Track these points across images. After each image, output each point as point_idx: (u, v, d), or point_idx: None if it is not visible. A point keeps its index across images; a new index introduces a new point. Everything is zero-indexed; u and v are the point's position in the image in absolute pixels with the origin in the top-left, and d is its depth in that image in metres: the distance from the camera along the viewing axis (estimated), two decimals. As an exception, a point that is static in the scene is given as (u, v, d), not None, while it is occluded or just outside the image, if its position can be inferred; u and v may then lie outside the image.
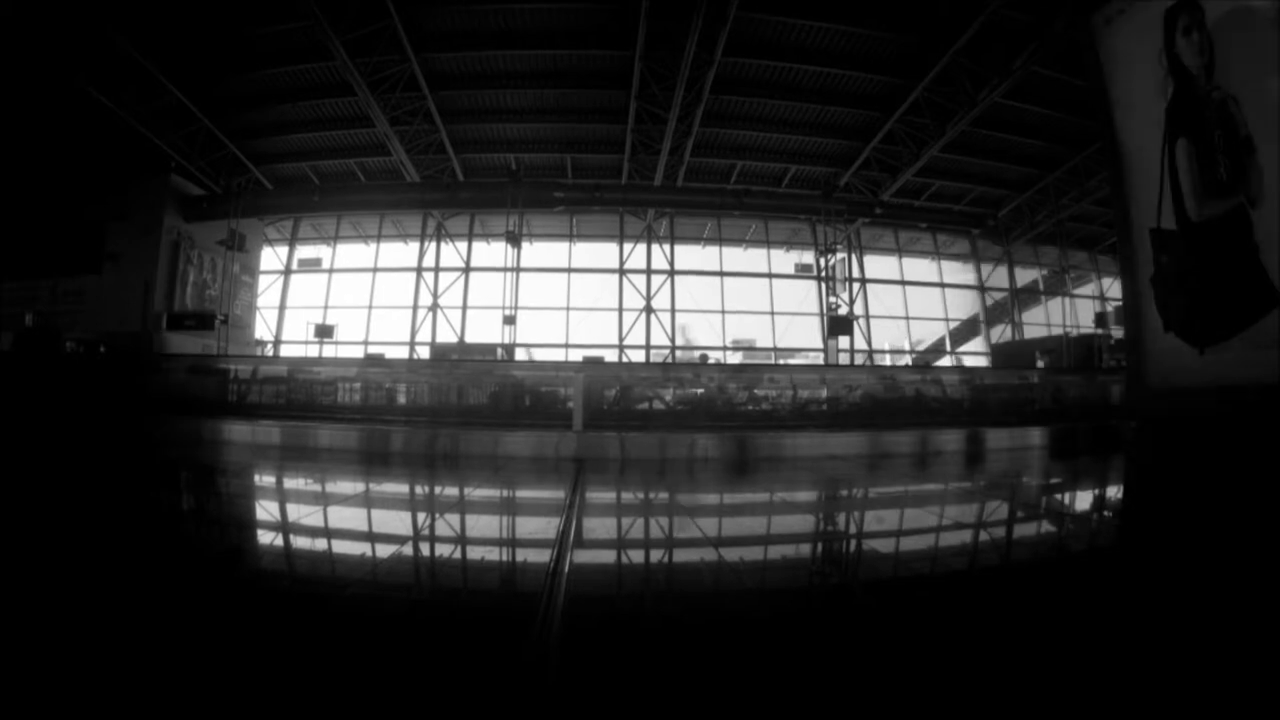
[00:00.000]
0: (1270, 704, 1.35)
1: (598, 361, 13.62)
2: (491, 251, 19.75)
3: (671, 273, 19.73)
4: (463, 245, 20.00)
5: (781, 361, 19.23)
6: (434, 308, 19.60)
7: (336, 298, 20.13)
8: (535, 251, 19.97)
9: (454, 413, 8.63)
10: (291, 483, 4.99)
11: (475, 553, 2.93)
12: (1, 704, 1.23)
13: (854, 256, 20.20)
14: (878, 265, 21.16)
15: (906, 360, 20.99)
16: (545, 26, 12.19)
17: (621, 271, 19.65)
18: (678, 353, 19.20)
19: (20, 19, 10.55)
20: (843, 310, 17.95)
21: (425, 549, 2.93)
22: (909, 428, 7.66)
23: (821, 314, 19.08)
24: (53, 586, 2.02)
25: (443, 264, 19.89)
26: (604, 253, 20.22)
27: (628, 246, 19.76)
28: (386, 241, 20.66)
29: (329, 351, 18.68)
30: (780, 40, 12.41)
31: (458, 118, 14.85)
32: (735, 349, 20.24)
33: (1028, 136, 15.37)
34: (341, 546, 2.92)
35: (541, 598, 1.91)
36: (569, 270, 19.94)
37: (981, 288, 21.50)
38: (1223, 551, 2.70)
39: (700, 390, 9.06)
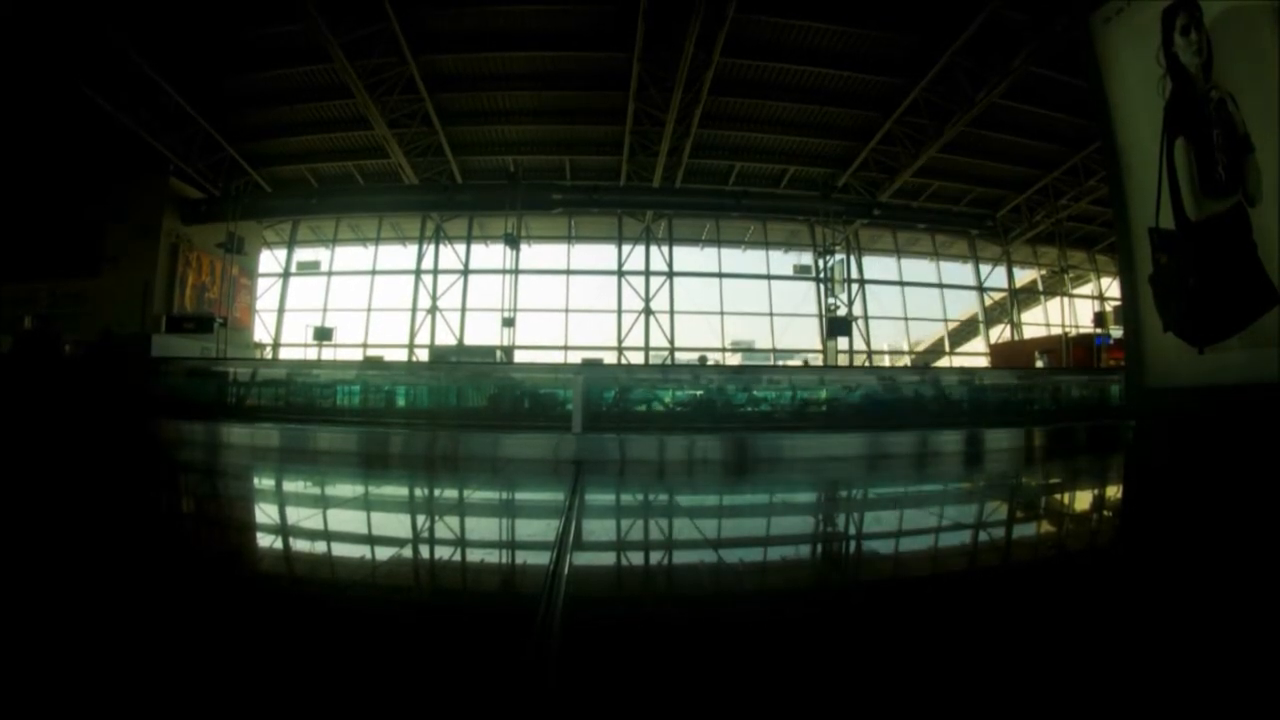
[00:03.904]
0: (1270, 704, 1.34)
1: (597, 363, 13.61)
2: (490, 254, 19.73)
3: (670, 274, 19.73)
4: (461, 247, 19.99)
5: (780, 363, 19.24)
6: (433, 310, 19.59)
7: (335, 300, 20.15)
8: (534, 254, 19.96)
9: (453, 415, 8.62)
10: (291, 485, 4.98)
11: (475, 555, 2.92)
12: (2, 704, 1.22)
13: (853, 257, 20.18)
14: (876, 266, 21.20)
15: (906, 361, 21.01)
16: (544, 28, 12.19)
17: (620, 273, 19.65)
18: (676, 354, 19.18)
19: (20, 19, 10.52)
20: (841, 311, 17.95)
21: (425, 551, 2.92)
22: (908, 428, 7.65)
23: (820, 315, 19.07)
24: (54, 589, 2.02)
25: (441, 266, 19.88)
26: (602, 254, 20.27)
27: (626, 248, 19.76)
28: (385, 244, 20.66)
29: (328, 354, 18.68)
30: (778, 41, 12.42)
31: (456, 119, 14.85)
32: (734, 350, 20.24)
33: (1026, 137, 15.37)
34: (342, 549, 2.92)
35: (541, 600, 1.90)
36: (568, 272, 19.95)
37: (980, 288, 21.49)
38: (1223, 552, 2.69)
39: (699, 392, 9.04)
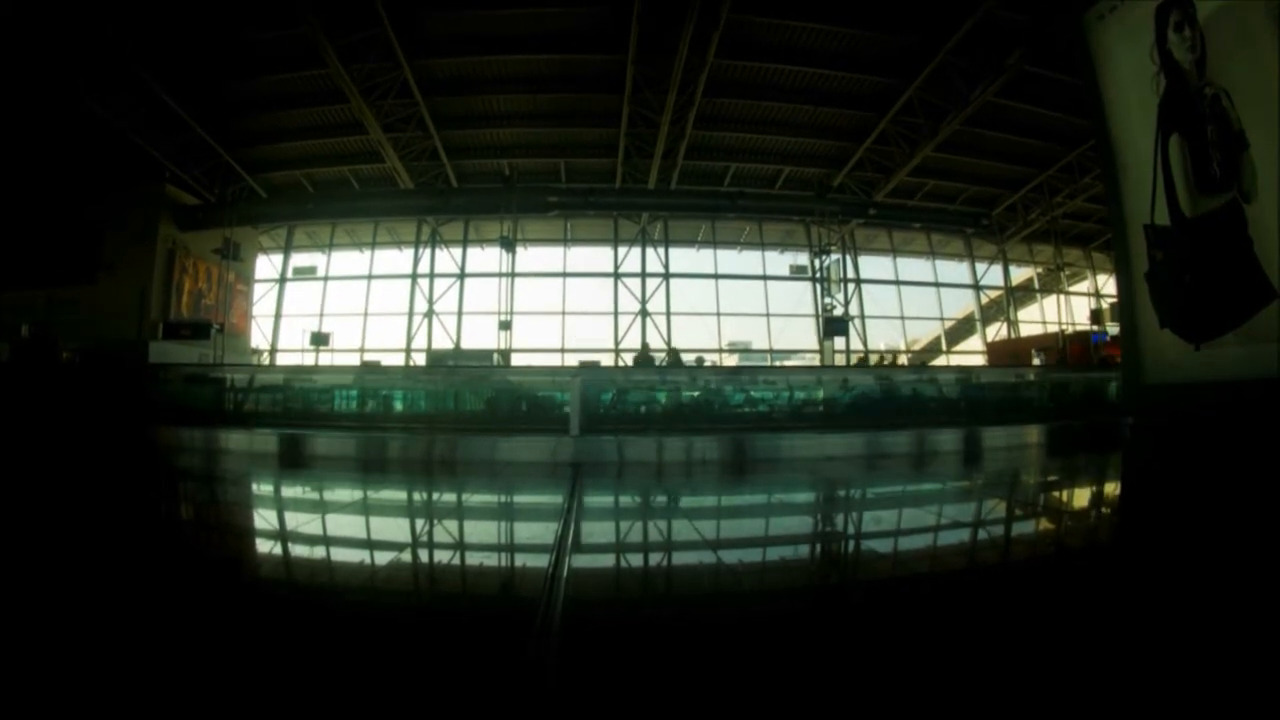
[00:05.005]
0: (1270, 704, 1.34)
1: (594, 366, 13.59)
2: (486, 257, 19.72)
3: (666, 276, 19.70)
4: (457, 251, 19.94)
5: (778, 363, 19.24)
6: (429, 314, 19.54)
7: (332, 305, 20.13)
8: (530, 256, 19.94)
9: (451, 419, 8.60)
10: (290, 490, 4.97)
11: (474, 558, 2.91)
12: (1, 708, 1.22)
13: (848, 257, 20.18)
14: (872, 265, 21.18)
15: (903, 360, 21.01)
16: (538, 31, 12.18)
17: (616, 275, 19.62)
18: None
19: (19, 26, 10.46)
20: (838, 311, 17.96)
21: (424, 555, 2.91)
22: (906, 427, 7.65)
23: (817, 315, 19.08)
24: (53, 594, 2.00)
25: (437, 270, 19.84)
26: (598, 257, 20.23)
27: (622, 250, 19.73)
28: (381, 249, 20.65)
29: (325, 359, 18.63)
30: (772, 42, 12.43)
31: (450, 124, 14.83)
32: (731, 351, 20.22)
33: (1021, 135, 15.38)
34: (341, 554, 2.91)
35: (540, 602, 1.90)
36: (564, 275, 19.90)
37: (976, 286, 21.53)
38: (1220, 548, 2.69)
39: (696, 393, 9.03)
